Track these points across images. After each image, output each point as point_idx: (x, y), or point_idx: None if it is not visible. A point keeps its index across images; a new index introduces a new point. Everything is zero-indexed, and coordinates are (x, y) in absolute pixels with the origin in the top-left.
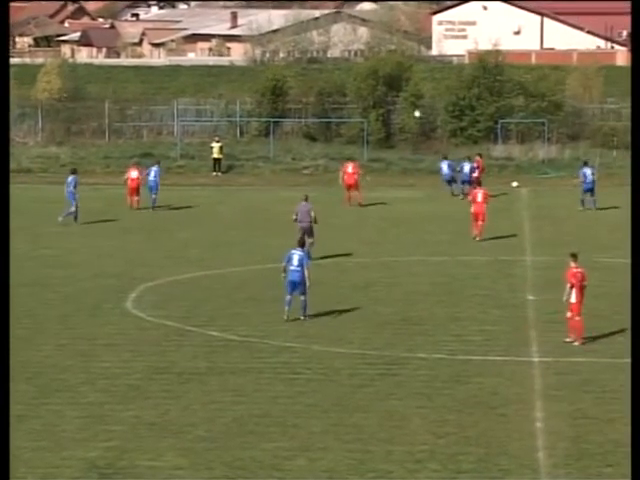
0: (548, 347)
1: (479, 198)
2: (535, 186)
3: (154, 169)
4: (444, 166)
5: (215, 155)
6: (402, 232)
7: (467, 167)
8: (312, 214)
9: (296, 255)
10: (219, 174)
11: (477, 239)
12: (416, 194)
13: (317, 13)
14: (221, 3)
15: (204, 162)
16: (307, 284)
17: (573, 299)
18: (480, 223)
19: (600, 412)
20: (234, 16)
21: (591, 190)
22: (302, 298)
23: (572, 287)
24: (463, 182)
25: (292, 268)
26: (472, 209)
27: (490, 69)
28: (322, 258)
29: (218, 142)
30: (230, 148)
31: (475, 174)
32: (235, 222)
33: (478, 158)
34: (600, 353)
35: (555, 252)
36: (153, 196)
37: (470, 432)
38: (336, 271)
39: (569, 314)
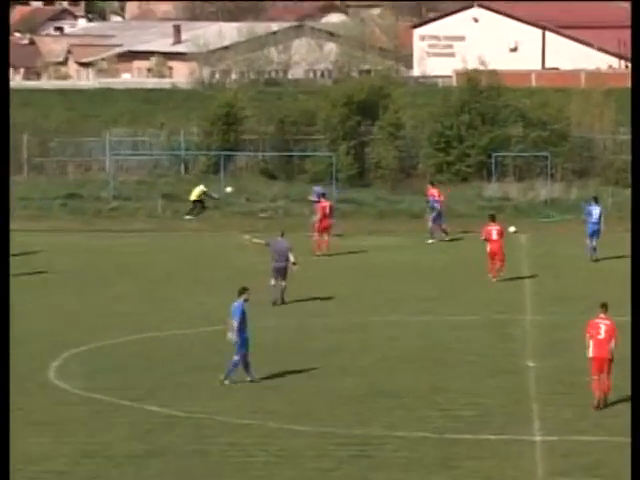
0: (552, 424)
1: (494, 235)
2: (536, 232)
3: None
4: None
5: (193, 197)
6: (378, 287)
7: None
8: (291, 254)
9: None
10: (187, 217)
11: (494, 280)
12: (394, 241)
13: (275, 26)
14: (162, 15)
15: (141, 204)
16: (234, 341)
17: (590, 353)
18: (499, 263)
19: None
20: (177, 30)
21: (596, 233)
22: (235, 358)
23: (590, 339)
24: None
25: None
26: (488, 248)
27: (482, 92)
28: (282, 319)
29: (199, 185)
30: (173, 187)
31: (437, 206)
32: (178, 275)
33: (430, 187)
34: (612, 430)
35: (560, 310)
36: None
37: None
38: (299, 333)
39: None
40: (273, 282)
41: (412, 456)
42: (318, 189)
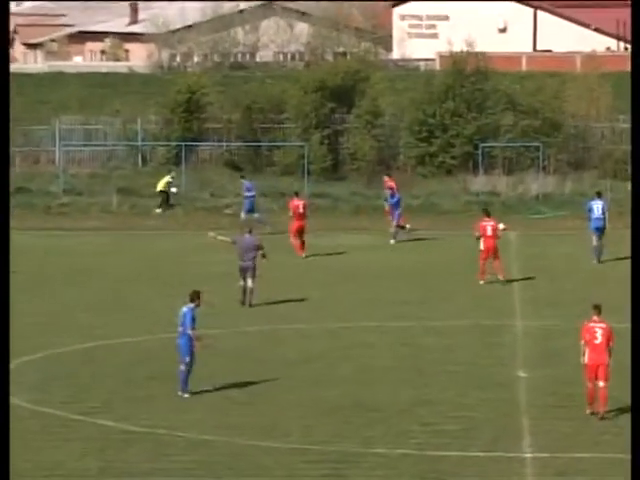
0: (545, 439)
1: (489, 232)
2: (527, 229)
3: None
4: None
5: (160, 187)
6: (354, 290)
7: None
8: (260, 252)
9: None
10: (157, 210)
11: (501, 278)
12: (371, 240)
13: (242, 5)
14: None
15: (95, 199)
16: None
17: (586, 359)
18: (497, 262)
19: None
20: (134, 9)
21: (599, 230)
22: (181, 368)
23: (585, 345)
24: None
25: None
26: (482, 246)
27: (468, 77)
28: (250, 325)
29: (170, 172)
30: (129, 181)
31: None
32: (134, 278)
33: (387, 179)
34: (610, 446)
35: (553, 315)
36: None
37: None
38: (268, 341)
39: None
40: (242, 282)
41: (391, 474)
42: (247, 183)
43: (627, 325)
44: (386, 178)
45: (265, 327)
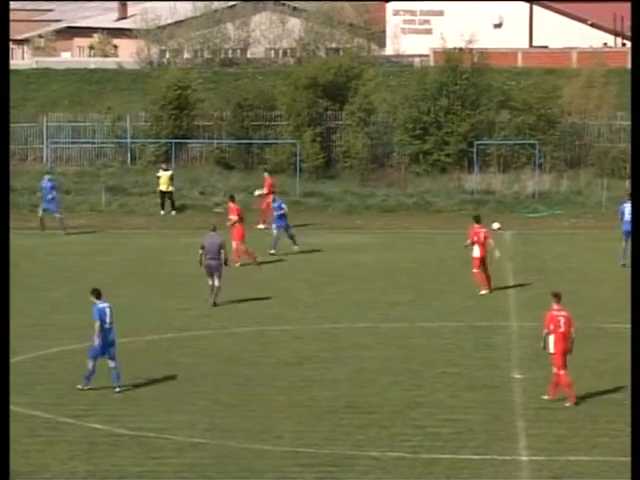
0: (541, 442)
1: (482, 239)
2: (522, 228)
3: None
4: None
5: (162, 187)
6: (345, 290)
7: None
8: (223, 251)
9: (107, 309)
10: (172, 213)
11: (483, 292)
12: (364, 239)
13: (233, 1)
14: None
15: (83, 197)
16: (96, 343)
17: (552, 349)
18: (488, 271)
19: None
20: (123, 4)
21: (629, 233)
22: (113, 364)
23: (549, 334)
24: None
25: (107, 326)
26: (478, 254)
27: (463, 73)
28: (239, 326)
29: (166, 170)
30: (118, 179)
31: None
32: (121, 278)
33: (268, 177)
34: (606, 449)
35: None
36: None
37: None
38: (258, 342)
39: (554, 370)
40: (209, 281)
41: (384, 477)
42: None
43: (625, 326)
44: (266, 176)
45: (255, 328)
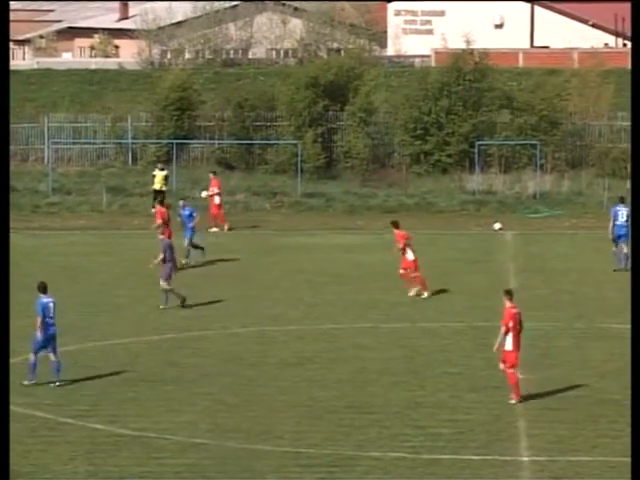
0: (542, 442)
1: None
2: (523, 229)
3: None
4: None
5: (157, 186)
6: (347, 290)
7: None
8: (161, 254)
9: (51, 304)
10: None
11: (426, 295)
12: (365, 239)
13: (235, 1)
14: None
15: (84, 198)
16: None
17: (509, 346)
18: (419, 275)
19: None
20: (124, 4)
21: (624, 237)
22: (55, 359)
23: (508, 331)
24: None
25: (49, 321)
26: (412, 257)
27: (464, 74)
28: (240, 326)
29: (162, 170)
30: (119, 179)
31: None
32: (123, 279)
33: (213, 177)
34: (607, 449)
35: (550, 317)
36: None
37: None
38: (259, 343)
39: (502, 365)
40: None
41: (385, 478)
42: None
43: (625, 326)
44: (211, 176)
45: (256, 329)
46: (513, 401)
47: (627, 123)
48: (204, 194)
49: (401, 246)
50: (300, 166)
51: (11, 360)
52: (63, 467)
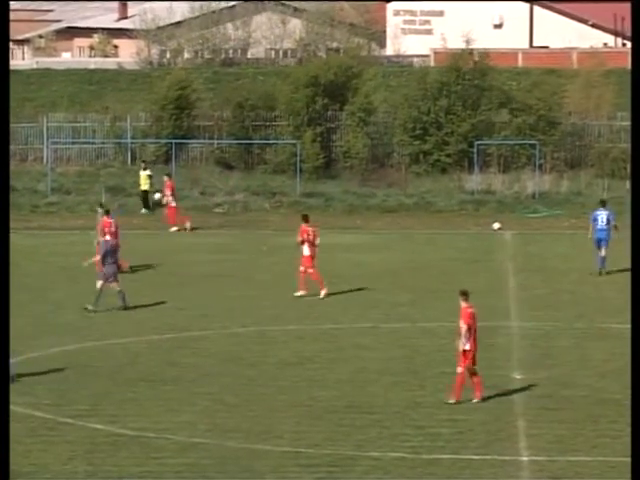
0: (541, 442)
1: (311, 237)
2: (522, 229)
3: None
4: None
5: (142, 187)
6: (347, 290)
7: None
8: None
9: None
10: (143, 211)
11: (322, 295)
12: (365, 239)
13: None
14: None
15: (83, 198)
16: None
17: (468, 346)
18: (316, 273)
19: None
20: (123, 5)
21: (604, 241)
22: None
23: (470, 330)
24: None
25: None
26: (308, 252)
27: (463, 74)
28: (240, 326)
29: (145, 169)
30: (118, 179)
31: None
32: (121, 278)
33: (167, 180)
34: (607, 449)
35: (549, 316)
36: None
37: None
38: (259, 343)
39: (459, 369)
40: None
41: (385, 478)
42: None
43: (626, 326)
44: (166, 178)
45: (256, 328)
46: (452, 401)
47: (627, 123)
48: (157, 196)
49: (299, 241)
50: (299, 166)
51: (11, 360)
52: (62, 467)
